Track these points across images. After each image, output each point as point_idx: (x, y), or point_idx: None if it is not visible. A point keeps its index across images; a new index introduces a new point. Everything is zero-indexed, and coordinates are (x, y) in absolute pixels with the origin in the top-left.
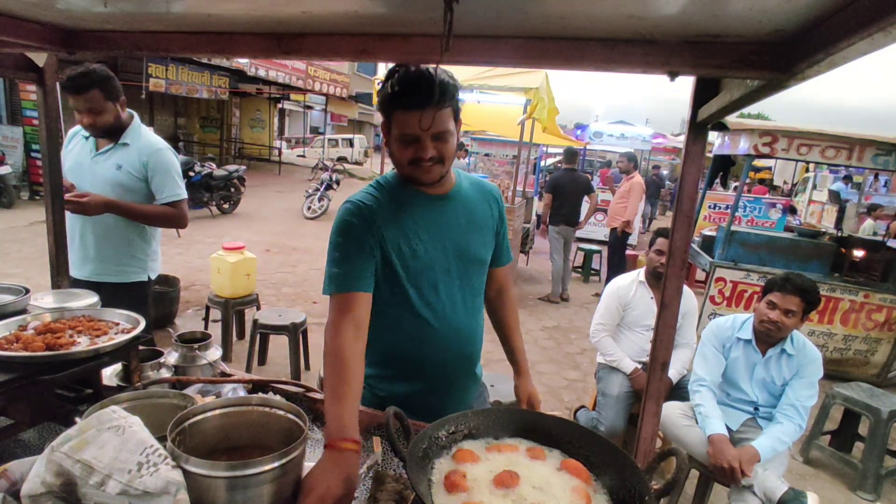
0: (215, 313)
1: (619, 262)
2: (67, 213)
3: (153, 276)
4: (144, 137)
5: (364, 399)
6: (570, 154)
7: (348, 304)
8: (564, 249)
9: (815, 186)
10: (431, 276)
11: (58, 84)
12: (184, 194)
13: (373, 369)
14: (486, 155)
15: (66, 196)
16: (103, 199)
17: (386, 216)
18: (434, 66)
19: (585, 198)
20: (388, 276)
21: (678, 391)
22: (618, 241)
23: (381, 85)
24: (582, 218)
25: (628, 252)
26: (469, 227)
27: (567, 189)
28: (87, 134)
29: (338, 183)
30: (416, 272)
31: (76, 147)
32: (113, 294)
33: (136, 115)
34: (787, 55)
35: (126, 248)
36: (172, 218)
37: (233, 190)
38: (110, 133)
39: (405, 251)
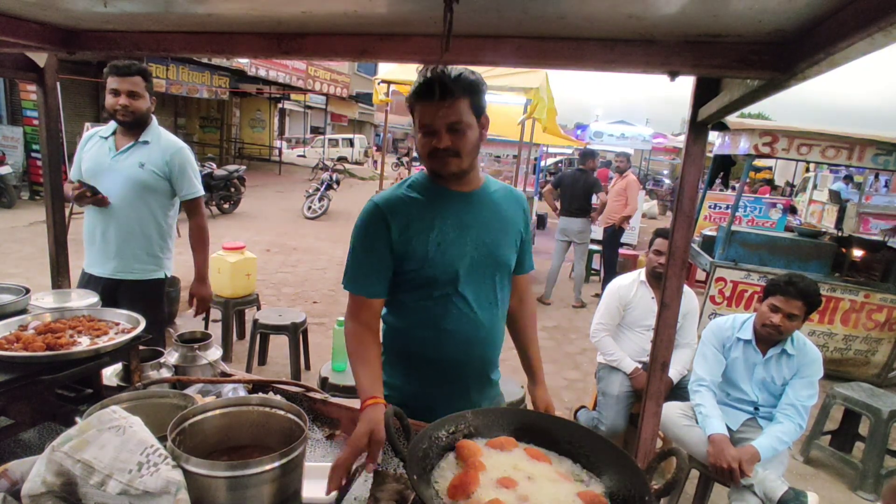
0: (215, 313)
1: (611, 260)
2: (89, 212)
3: (168, 274)
4: (164, 137)
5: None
6: (584, 154)
7: (358, 304)
8: (576, 252)
9: (815, 186)
10: (453, 271)
11: (58, 84)
12: (202, 191)
13: (387, 358)
14: (497, 157)
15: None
16: (209, 292)
17: (408, 209)
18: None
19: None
20: (408, 267)
21: (679, 391)
22: (612, 238)
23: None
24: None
25: (629, 252)
26: (495, 227)
27: (570, 187)
28: (105, 134)
29: (338, 183)
30: (438, 265)
31: (93, 148)
32: (132, 291)
33: (154, 115)
34: (788, 55)
35: (146, 246)
36: (201, 228)
37: (233, 190)
38: (137, 124)
39: (429, 243)
